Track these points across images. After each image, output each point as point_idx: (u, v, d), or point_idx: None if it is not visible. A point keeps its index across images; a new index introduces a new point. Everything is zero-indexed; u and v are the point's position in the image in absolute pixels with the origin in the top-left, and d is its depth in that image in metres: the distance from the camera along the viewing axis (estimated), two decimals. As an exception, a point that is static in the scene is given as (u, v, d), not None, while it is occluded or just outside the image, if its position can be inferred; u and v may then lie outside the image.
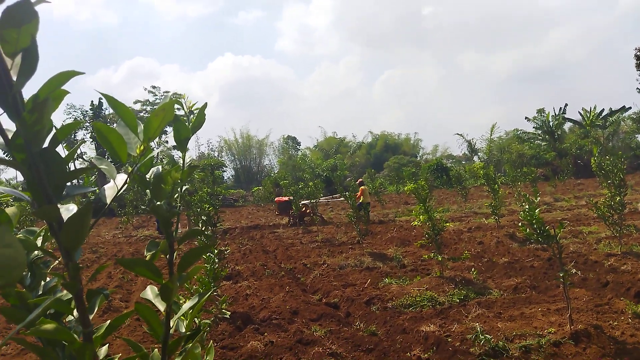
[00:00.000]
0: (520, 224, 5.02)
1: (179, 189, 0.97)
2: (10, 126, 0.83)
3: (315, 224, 15.90)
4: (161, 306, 0.93)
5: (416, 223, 7.33)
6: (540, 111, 38.04)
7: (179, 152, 1.02)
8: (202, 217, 6.53)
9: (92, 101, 34.01)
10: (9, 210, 1.11)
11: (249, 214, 23.90)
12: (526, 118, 38.99)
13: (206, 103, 0.98)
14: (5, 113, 0.80)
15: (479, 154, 40.32)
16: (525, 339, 4.44)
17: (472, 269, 7.13)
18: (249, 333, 5.23)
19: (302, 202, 17.07)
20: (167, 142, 44.31)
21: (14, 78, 0.77)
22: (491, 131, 39.14)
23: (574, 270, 6.69)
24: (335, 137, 50.05)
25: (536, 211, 4.63)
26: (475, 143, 40.11)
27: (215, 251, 4.76)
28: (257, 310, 6.22)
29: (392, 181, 27.94)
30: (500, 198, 11.75)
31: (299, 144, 50.99)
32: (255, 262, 9.72)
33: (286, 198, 17.56)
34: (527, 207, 4.74)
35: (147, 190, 0.95)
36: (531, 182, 18.69)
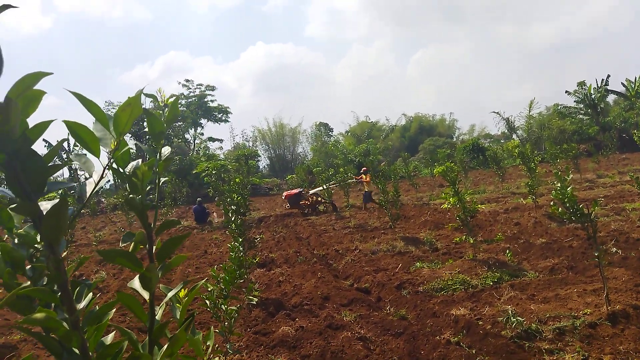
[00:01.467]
0: (552, 203, 4.84)
1: (157, 182, 0.99)
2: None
3: (329, 212, 16.03)
4: (145, 295, 0.96)
5: (446, 206, 7.20)
6: (581, 84, 36.22)
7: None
8: (232, 206, 6.65)
9: (128, 97, 34.96)
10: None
11: (283, 202, 24.15)
12: (567, 92, 37.26)
13: (178, 97, 1.00)
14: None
15: (517, 131, 39.00)
16: (560, 320, 4.31)
17: (507, 251, 6.96)
18: (281, 319, 5.33)
19: (312, 191, 17.26)
20: (202, 134, 45.29)
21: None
22: (530, 107, 37.76)
23: (614, 249, 6.42)
24: (367, 122, 49.62)
25: (569, 189, 4.45)
26: (514, 120, 38.80)
27: (240, 240, 4.86)
28: (289, 296, 6.32)
29: (427, 164, 27.47)
30: (537, 177, 11.35)
31: (331, 130, 50.90)
32: (289, 249, 9.85)
33: (295, 191, 17.66)
34: (559, 185, 4.56)
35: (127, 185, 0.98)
36: (572, 159, 17.95)
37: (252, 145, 45.91)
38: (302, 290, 6.45)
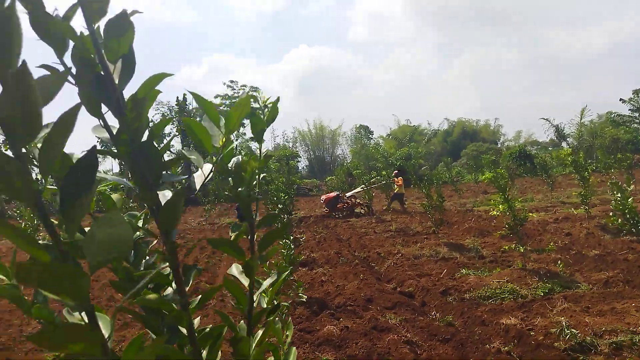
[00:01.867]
0: (611, 214, 4.66)
1: (257, 177, 1.06)
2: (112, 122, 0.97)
3: (365, 215, 16.04)
4: (245, 282, 1.03)
5: (495, 213, 7.04)
6: (637, 92, 34.42)
7: (256, 143, 1.11)
8: (278, 205, 6.78)
9: (177, 97, 36.22)
10: (114, 197, 1.28)
11: (322, 205, 24.27)
12: (621, 100, 35.50)
13: (279, 97, 1.06)
14: (109, 112, 0.93)
15: (567, 139, 37.50)
16: (617, 335, 4.14)
17: (559, 262, 6.73)
18: (325, 318, 5.38)
19: (349, 194, 17.34)
20: (244, 134, 46.24)
21: (116, 81, 0.90)
22: (581, 114, 36.19)
23: (676, 265, 6.08)
24: (409, 125, 49.10)
25: (629, 200, 4.28)
26: (564, 128, 37.33)
27: (292, 238, 4.95)
28: (332, 296, 6.37)
29: (470, 170, 26.86)
30: (591, 187, 10.90)
31: (371, 133, 50.70)
32: (330, 250, 9.89)
33: (333, 194, 17.63)
34: (618, 195, 4.38)
35: (230, 179, 1.05)
36: (626, 169, 17.11)
37: (292, 146, 46.43)
38: (344, 291, 6.48)
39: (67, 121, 0.69)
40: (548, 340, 4.22)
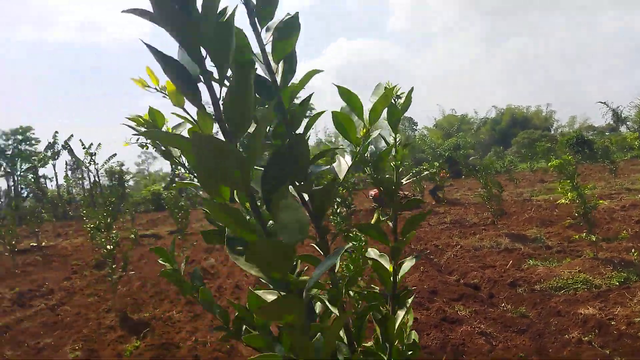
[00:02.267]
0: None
1: (396, 165, 1.11)
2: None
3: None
4: (386, 264, 1.09)
5: (564, 201, 6.79)
6: None
7: (392, 132, 1.16)
8: (337, 199, 6.86)
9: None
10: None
11: (370, 200, 24.13)
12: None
13: (412, 87, 1.10)
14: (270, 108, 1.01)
15: (627, 123, 35.38)
16: None
17: (632, 250, 6.41)
18: (391, 310, 5.40)
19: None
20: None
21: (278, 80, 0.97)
22: (643, 95, 33.98)
23: None
24: (455, 115, 47.96)
25: None
26: (622, 111, 35.24)
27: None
28: (394, 289, 6.37)
29: (525, 158, 25.90)
30: (661, 170, 10.26)
31: (415, 124, 49.91)
32: (386, 243, 9.87)
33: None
34: None
35: (367, 168, 1.11)
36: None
37: (335, 140, 46.43)
38: (406, 283, 6.47)
39: (265, 119, 0.76)
40: (631, 330, 4.05)
